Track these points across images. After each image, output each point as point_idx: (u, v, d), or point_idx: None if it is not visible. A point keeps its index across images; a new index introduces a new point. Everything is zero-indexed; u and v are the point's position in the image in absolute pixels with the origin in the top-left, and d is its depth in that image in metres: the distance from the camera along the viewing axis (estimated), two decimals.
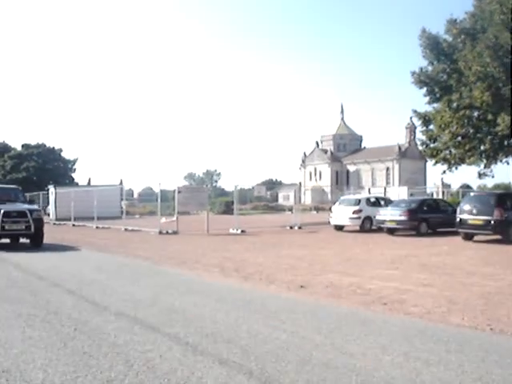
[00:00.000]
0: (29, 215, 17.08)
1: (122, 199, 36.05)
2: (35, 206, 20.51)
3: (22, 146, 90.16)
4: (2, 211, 16.74)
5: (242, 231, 24.82)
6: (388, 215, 23.78)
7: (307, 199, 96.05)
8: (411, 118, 49.35)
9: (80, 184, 79.64)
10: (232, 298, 8.39)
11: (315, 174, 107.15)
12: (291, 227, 28.44)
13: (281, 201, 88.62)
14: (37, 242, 17.74)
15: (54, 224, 36.78)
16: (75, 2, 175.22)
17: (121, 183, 56.30)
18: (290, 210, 44.20)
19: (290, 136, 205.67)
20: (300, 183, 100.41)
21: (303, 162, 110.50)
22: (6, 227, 16.92)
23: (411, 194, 41.97)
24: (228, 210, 52.32)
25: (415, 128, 58.77)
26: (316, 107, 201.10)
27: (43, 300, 8.21)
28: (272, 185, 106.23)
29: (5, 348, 5.45)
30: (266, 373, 4.63)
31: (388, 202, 27.76)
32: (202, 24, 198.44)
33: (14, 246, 18.11)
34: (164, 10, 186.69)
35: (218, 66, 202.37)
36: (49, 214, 43.15)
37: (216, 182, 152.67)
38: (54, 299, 8.30)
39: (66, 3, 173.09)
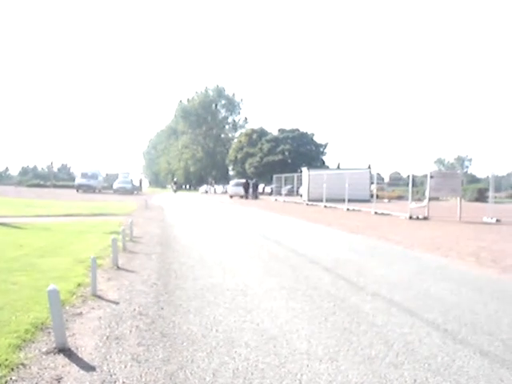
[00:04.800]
0: None
1: (371, 183, 36.43)
2: None
3: (278, 130, 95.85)
4: None
5: (497, 220, 23.36)
6: None
7: None
8: None
9: (330, 167, 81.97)
10: (490, 289, 7.98)
11: None
12: None
13: None
14: None
15: (307, 204, 38.49)
16: None
17: (369, 168, 57.10)
18: None
19: None
20: None
21: None
22: None
23: None
24: (480, 197, 50.07)
25: None
26: None
27: (302, 275, 8.70)
28: None
29: (271, 317, 5.94)
30: None
31: None
32: None
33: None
34: None
35: None
36: (301, 195, 45.17)
37: (467, 167, 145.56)
38: (313, 275, 8.72)
39: None
